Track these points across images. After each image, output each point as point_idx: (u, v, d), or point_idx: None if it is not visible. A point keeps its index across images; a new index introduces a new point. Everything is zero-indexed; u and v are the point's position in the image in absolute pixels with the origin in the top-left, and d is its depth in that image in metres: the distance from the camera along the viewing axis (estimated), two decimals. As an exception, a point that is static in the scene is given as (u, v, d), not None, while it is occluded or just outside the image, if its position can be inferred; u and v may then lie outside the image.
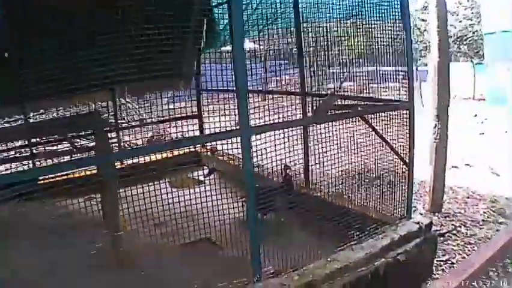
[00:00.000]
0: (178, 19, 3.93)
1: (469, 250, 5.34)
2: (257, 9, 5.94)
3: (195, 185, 5.12)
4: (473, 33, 20.71)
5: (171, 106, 7.26)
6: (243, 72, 3.28)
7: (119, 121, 8.14)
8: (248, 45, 6.50)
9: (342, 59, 5.30)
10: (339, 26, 5.07)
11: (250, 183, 3.38)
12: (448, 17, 19.95)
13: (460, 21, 21.88)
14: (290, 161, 4.61)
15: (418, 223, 4.46)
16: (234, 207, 4.27)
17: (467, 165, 9.00)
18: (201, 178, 6.02)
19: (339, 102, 4.72)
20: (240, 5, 3.31)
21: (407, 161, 4.48)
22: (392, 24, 4.54)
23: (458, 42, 22.01)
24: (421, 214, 6.35)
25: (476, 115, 15.53)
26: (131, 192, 4.14)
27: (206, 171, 6.41)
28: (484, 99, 19.22)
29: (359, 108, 4.65)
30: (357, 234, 4.15)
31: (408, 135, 4.44)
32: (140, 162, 5.23)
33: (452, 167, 8.60)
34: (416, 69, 20.40)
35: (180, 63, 6.60)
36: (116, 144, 6.89)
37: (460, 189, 7.50)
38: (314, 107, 5.16)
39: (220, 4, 6.46)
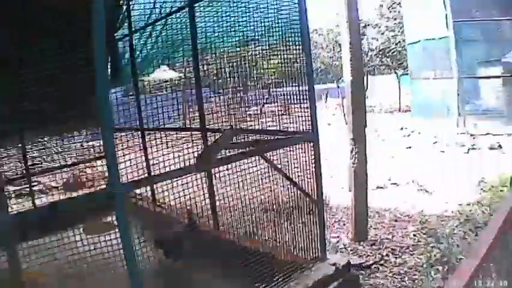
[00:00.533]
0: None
1: (398, 282, 4.87)
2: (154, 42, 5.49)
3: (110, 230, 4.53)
4: (396, 44, 20.86)
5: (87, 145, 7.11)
6: (108, 119, 2.71)
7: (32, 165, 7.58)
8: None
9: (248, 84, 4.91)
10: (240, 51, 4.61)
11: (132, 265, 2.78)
12: (370, 30, 20.15)
13: (383, 33, 22.07)
14: (196, 203, 4.13)
15: (334, 264, 4.01)
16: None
17: (394, 184, 8.71)
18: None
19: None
20: (102, 38, 2.62)
21: (315, 197, 3.95)
22: (293, 48, 4.06)
23: (380, 55, 22.19)
24: (344, 246, 5.89)
25: (402, 128, 15.51)
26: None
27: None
28: (409, 111, 19.40)
29: (261, 145, 4.06)
30: (266, 286, 3.61)
31: (314, 169, 3.91)
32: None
33: (378, 187, 8.30)
34: (338, 86, 20.39)
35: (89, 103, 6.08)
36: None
37: (387, 211, 7.12)
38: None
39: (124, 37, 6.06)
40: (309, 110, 3.94)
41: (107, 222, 5.35)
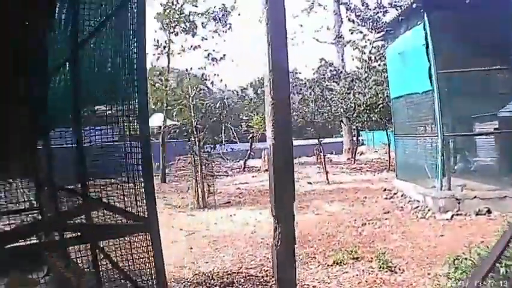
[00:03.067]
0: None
1: None
2: None
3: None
4: (384, 99, 19.80)
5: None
6: None
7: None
8: None
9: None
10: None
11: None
12: (357, 84, 19.21)
13: (371, 88, 21.08)
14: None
15: None
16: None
17: (355, 259, 7.29)
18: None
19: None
20: None
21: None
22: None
23: (368, 111, 21.18)
24: None
25: (385, 189, 14.39)
26: None
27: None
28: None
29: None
30: None
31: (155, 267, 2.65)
32: None
33: (335, 263, 7.04)
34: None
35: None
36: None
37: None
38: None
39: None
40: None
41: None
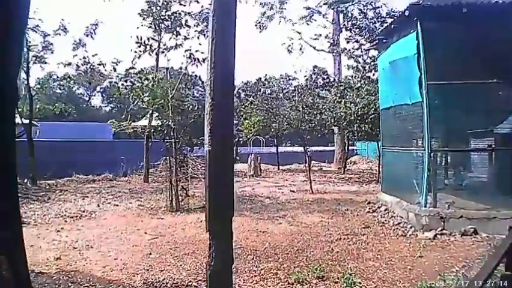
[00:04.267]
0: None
1: None
2: None
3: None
4: (375, 109, 19.23)
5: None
6: None
7: None
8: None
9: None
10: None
11: None
12: (350, 93, 18.68)
13: (363, 98, 20.53)
14: None
15: None
16: None
17: (320, 278, 6.70)
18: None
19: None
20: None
21: None
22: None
23: (359, 120, 20.60)
24: None
25: (369, 202, 13.78)
26: None
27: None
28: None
29: None
30: None
31: None
32: None
33: (297, 281, 6.39)
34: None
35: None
36: None
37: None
38: None
39: None
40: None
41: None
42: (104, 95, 67.40)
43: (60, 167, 20.37)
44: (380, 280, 6.47)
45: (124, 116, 25.14)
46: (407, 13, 11.06)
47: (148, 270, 7.06)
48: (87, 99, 68.92)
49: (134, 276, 6.76)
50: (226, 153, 4.07)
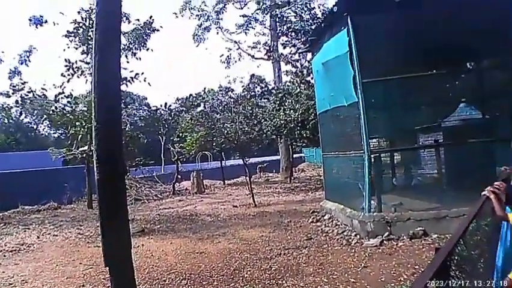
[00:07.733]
0: None
1: None
2: None
3: None
4: (316, 114, 18.72)
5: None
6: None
7: None
8: None
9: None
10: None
11: None
12: (289, 99, 18.06)
13: (302, 103, 20.00)
14: None
15: None
16: None
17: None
18: None
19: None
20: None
21: None
22: None
23: (299, 127, 20.06)
24: None
25: (314, 211, 13.17)
26: None
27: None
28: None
29: None
30: None
31: None
32: None
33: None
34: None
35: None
36: None
37: None
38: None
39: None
40: None
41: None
42: (51, 122, 65.24)
43: (6, 198, 19.33)
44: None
45: (69, 142, 23.83)
46: (335, 9, 10.51)
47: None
48: (35, 127, 66.60)
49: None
50: (116, 176, 3.55)
